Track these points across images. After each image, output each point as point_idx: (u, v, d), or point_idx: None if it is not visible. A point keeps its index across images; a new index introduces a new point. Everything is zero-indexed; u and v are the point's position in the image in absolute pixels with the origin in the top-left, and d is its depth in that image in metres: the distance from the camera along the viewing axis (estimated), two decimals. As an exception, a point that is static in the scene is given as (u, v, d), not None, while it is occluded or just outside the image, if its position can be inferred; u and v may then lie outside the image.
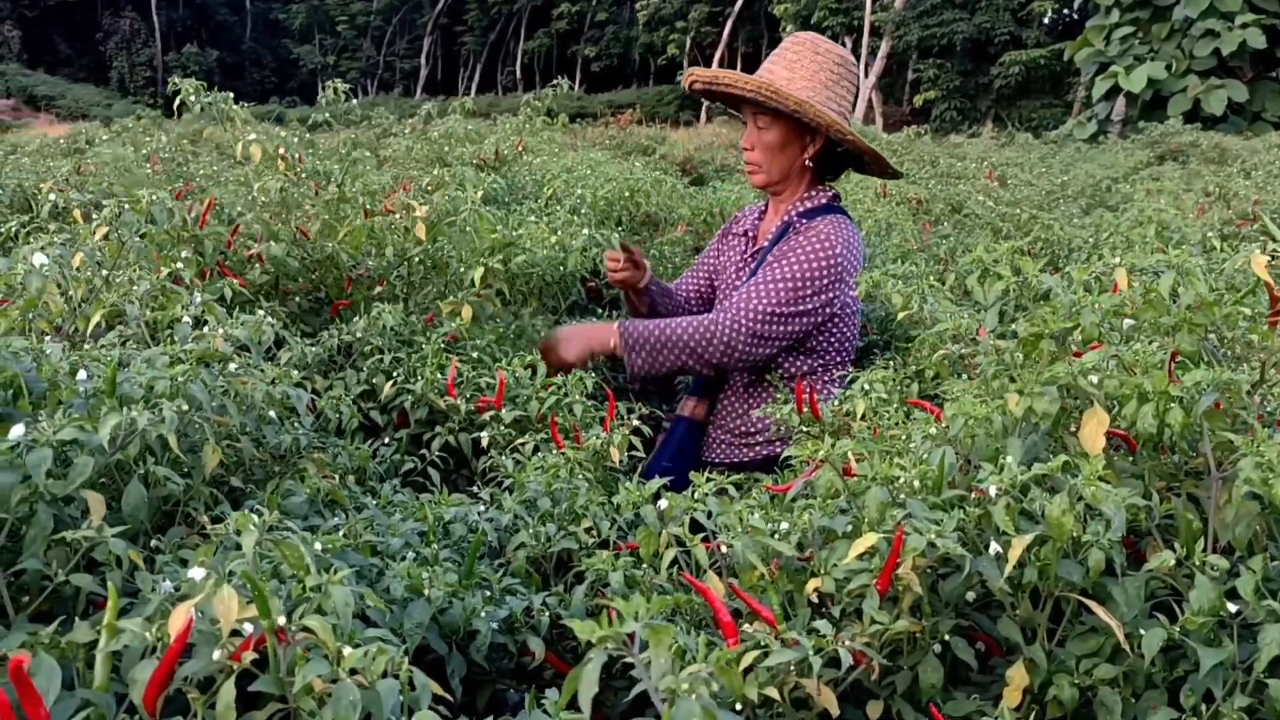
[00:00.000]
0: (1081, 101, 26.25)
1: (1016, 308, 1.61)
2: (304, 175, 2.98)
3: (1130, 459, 1.59)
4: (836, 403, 2.11)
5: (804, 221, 2.71)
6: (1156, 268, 1.56)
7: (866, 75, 30.00)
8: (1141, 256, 1.55)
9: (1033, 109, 29.47)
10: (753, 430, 2.71)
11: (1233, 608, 1.30)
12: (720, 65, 42.36)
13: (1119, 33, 23.25)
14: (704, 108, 34.92)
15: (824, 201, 2.75)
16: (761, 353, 2.57)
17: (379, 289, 2.91)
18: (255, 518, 1.04)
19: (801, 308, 2.57)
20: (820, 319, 2.61)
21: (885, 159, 2.74)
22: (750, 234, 2.92)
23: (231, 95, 3.31)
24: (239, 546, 1.13)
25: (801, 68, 2.67)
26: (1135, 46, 22.77)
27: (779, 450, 2.65)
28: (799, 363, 2.68)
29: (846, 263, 2.63)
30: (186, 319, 1.76)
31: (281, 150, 2.94)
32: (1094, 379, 1.44)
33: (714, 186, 7.32)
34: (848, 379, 2.63)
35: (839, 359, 2.72)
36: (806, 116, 2.58)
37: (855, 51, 33.32)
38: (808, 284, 2.58)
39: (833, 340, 2.69)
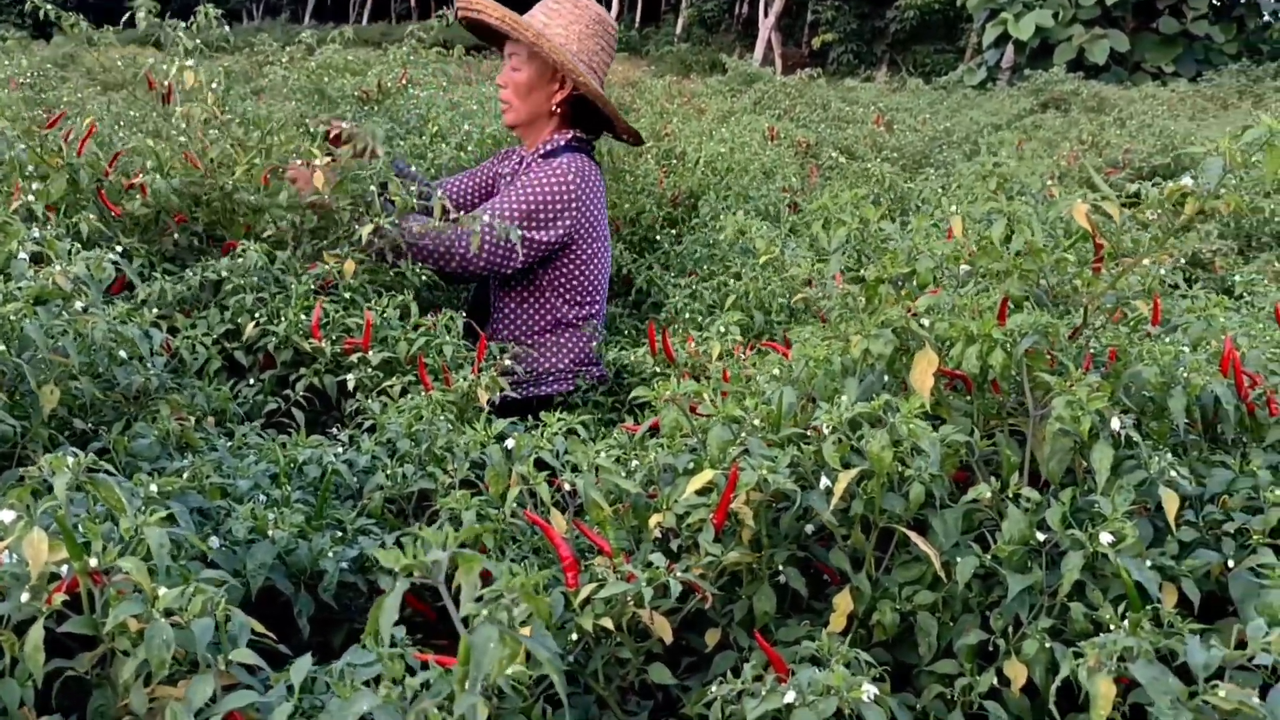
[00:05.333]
0: (973, 48, 26.73)
1: (861, 254, 1.67)
2: (222, 114, 2.87)
3: (967, 398, 1.68)
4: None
5: (540, 160, 2.86)
6: (991, 216, 1.62)
7: (766, 15, 29.94)
8: (980, 205, 1.62)
9: (926, 54, 29.85)
10: (525, 370, 2.88)
11: (1042, 536, 1.40)
12: (623, 3, 41.82)
13: (1010, -20, 23.66)
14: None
15: (563, 143, 2.90)
16: (492, 267, 2.72)
17: (268, 233, 2.81)
18: (70, 460, 1.02)
19: (536, 233, 2.71)
20: (555, 246, 2.77)
21: (620, 115, 2.91)
22: (512, 175, 3.04)
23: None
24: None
25: (560, 16, 2.82)
26: (1025, -6, 23.22)
27: (540, 393, 2.85)
28: (558, 307, 2.86)
29: (583, 195, 2.78)
30: (23, 255, 1.70)
31: (214, 83, 2.84)
32: (926, 322, 1.51)
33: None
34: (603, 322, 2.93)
35: (594, 300, 2.91)
36: (543, 51, 2.73)
37: (756, -10, 33.17)
38: (541, 209, 2.72)
39: (584, 280, 2.86)
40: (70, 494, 1.07)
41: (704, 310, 2.95)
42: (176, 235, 2.75)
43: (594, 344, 2.85)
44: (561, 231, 2.76)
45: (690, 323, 2.90)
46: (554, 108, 2.87)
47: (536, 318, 2.90)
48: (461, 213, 2.74)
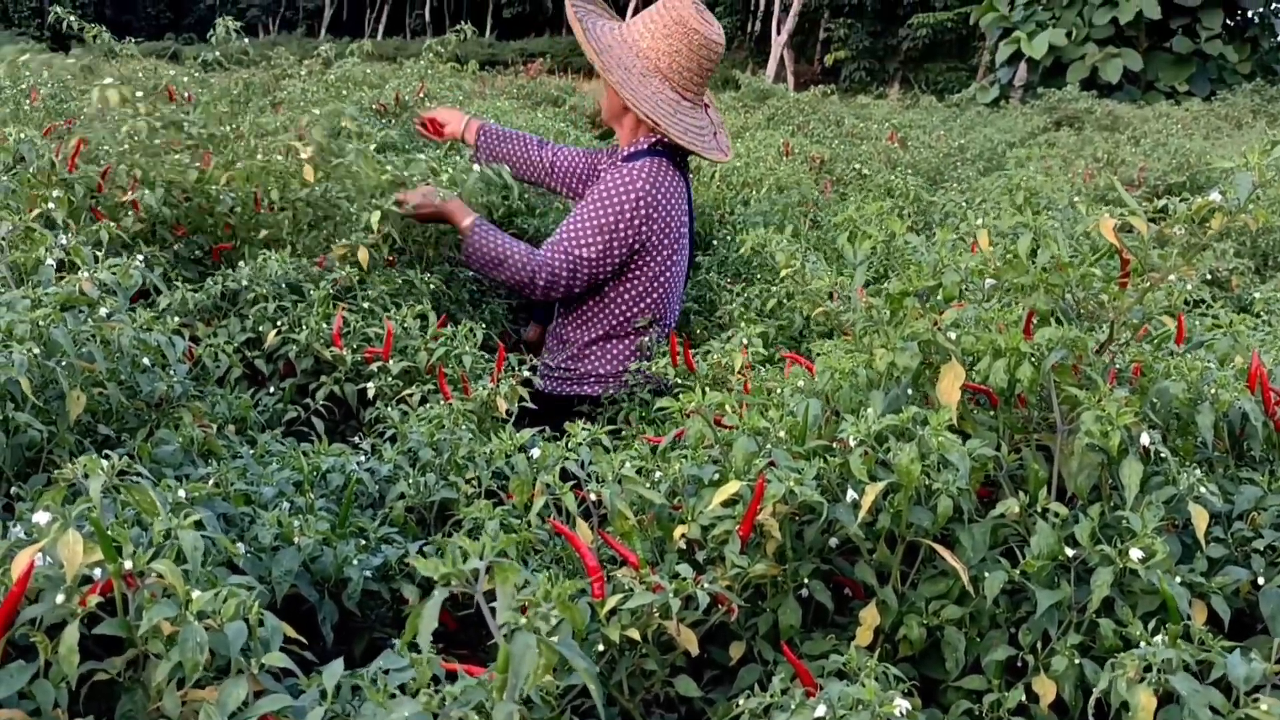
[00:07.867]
0: (985, 66, 26.73)
1: (885, 268, 1.66)
2: (186, 119, 2.90)
3: (991, 413, 1.67)
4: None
5: (617, 165, 2.89)
6: (1018, 230, 1.62)
7: (779, 33, 30.02)
8: (1005, 219, 1.61)
9: (939, 72, 29.87)
10: (569, 370, 2.93)
11: (1071, 552, 1.38)
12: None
13: (1022, -2, 23.67)
14: (617, 60, 34.36)
15: (644, 147, 2.88)
16: (576, 286, 2.78)
17: (264, 234, 2.82)
18: (104, 463, 1.02)
19: (604, 241, 2.75)
20: (626, 253, 2.79)
21: (687, 140, 2.79)
22: (598, 176, 3.05)
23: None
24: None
25: (654, 24, 2.81)
26: (1038, 13, 23.18)
27: (579, 392, 2.89)
28: (617, 314, 2.87)
29: (652, 200, 2.78)
30: (50, 261, 1.70)
31: (139, 94, 2.86)
32: (952, 335, 1.50)
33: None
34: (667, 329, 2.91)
35: (656, 308, 2.89)
36: (598, 64, 2.77)
37: (768, 8, 33.28)
38: (607, 218, 2.75)
39: (647, 290, 2.86)
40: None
41: (755, 317, 2.93)
42: (177, 246, 2.76)
43: (649, 348, 2.83)
44: (628, 237, 2.77)
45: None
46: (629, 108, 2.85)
47: (594, 325, 2.91)
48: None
